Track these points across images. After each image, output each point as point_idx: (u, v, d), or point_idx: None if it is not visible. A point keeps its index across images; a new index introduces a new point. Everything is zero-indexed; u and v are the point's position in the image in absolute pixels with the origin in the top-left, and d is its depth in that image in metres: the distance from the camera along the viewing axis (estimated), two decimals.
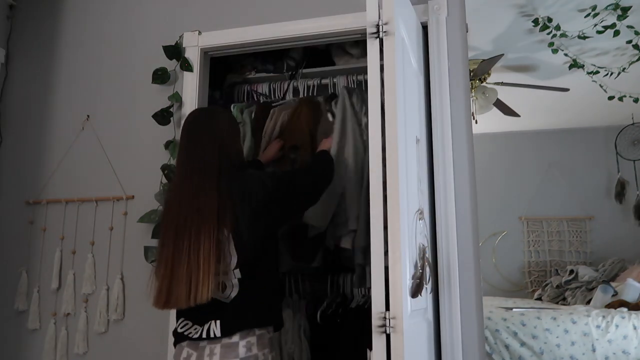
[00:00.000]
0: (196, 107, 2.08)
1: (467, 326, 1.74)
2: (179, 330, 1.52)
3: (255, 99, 2.49)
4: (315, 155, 1.94)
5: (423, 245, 1.61)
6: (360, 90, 2.24)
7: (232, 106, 2.40)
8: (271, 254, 1.61)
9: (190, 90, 2.16)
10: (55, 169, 2.32)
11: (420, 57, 1.90)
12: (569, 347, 3.60)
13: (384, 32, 1.46)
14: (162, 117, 2.14)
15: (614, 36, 3.32)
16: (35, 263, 2.25)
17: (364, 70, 1.97)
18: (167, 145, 2.12)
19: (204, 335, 1.44)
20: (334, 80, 2.37)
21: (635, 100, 4.34)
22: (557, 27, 3.33)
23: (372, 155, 1.41)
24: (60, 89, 2.40)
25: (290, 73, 2.48)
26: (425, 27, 1.98)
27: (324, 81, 2.40)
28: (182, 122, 1.68)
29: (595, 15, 3.16)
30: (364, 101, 2.16)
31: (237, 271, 1.46)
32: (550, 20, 3.26)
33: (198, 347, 1.46)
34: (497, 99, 4.03)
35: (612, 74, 3.95)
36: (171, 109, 2.15)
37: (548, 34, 3.38)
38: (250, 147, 2.32)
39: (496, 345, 3.67)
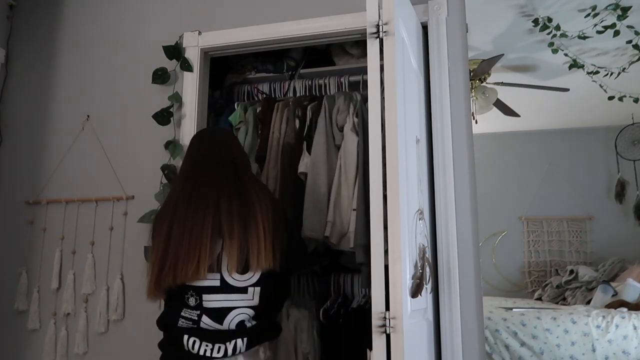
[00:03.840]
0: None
1: (467, 326, 1.74)
2: (194, 351, 1.43)
3: (257, 99, 2.49)
4: None
5: (423, 245, 1.61)
6: (347, 93, 2.24)
7: (236, 104, 2.40)
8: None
9: (190, 90, 2.16)
10: (55, 169, 2.32)
11: (420, 57, 1.90)
12: (569, 347, 3.60)
13: (384, 32, 1.46)
14: (162, 117, 2.14)
15: (614, 36, 3.33)
16: (35, 263, 2.25)
17: (364, 70, 1.97)
18: (167, 145, 2.11)
19: (230, 353, 1.43)
20: (325, 81, 2.37)
21: (635, 100, 4.34)
22: (557, 27, 3.33)
23: (372, 155, 1.41)
24: (60, 89, 2.40)
25: (290, 73, 2.48)
26: (425, 27, 1.98)
27: (321, 81, 2.40)
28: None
29: (595, 15, 3.16)
30: (351, 99, 2.16)
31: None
32: (550, 20, 3.26)
33: None
34: (497, 99, 4.03)
35: (612, 74, 3.95)
36: (171, 109, 2.15)
37: (548, 34, 3.38)
38: (252, 144, 2.32)
39: (496, 345, 3.67)
